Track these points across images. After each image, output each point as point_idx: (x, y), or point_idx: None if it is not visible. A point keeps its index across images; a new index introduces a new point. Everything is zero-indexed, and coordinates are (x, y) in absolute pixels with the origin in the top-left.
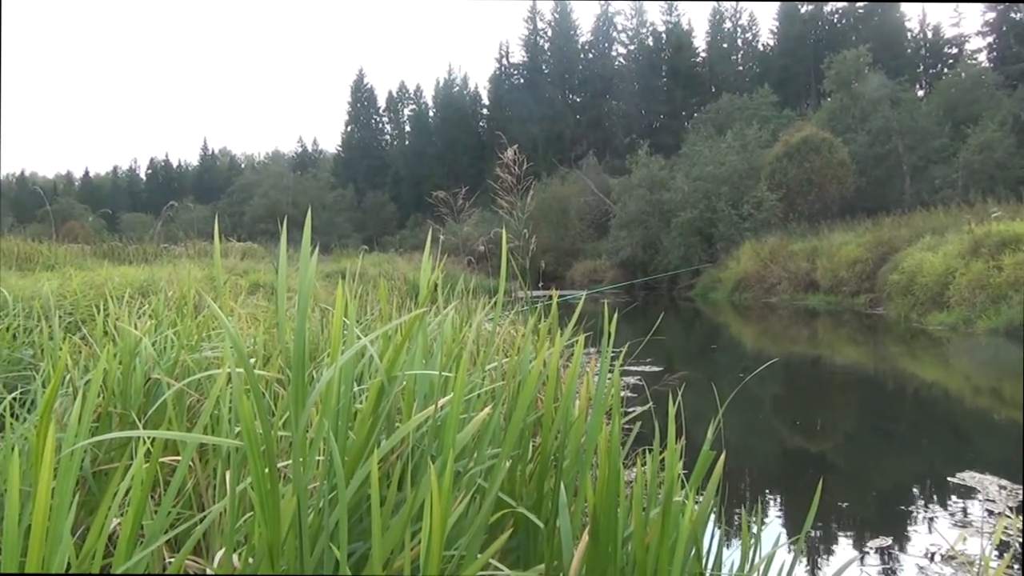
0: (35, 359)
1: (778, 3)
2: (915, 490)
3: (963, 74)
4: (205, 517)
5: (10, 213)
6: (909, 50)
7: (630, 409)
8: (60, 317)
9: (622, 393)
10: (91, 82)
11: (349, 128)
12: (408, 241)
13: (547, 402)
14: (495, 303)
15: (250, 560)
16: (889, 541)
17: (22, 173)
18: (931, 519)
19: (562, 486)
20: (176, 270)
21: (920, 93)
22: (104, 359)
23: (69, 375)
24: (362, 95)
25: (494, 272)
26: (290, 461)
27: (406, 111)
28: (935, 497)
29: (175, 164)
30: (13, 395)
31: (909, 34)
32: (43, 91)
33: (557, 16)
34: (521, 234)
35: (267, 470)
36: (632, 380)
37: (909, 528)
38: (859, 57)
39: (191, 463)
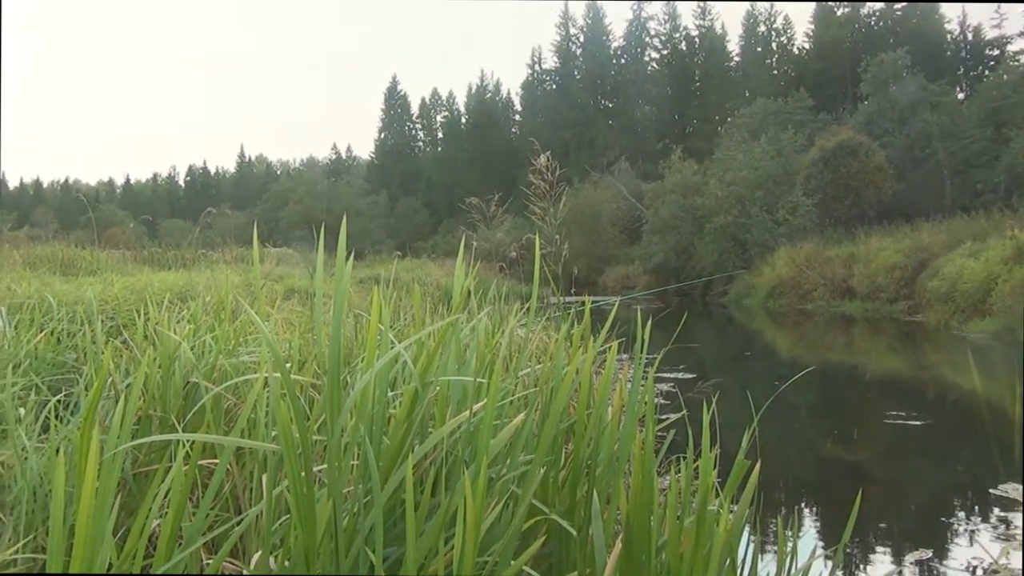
0: (78, 362)
1: (813, 5)
2: (956, 502)
3: (1005, 76)
4: (242, 520)
5: (55, 219)
6: (949, 52)
7: (663, 416)
8: (102, 321)
9: (655, 400)
10: (132, 91)
11: (382, 135)
12: (440, 247)
13: (580, 409)
14: (528, 309)
15: (286, 563)
16: (929, 554)
17: (66, 180)
18: (972, 532)
19: (595, 493)
20: (214, 275)
21: (961, 96)
22: (145, 363)
23: (111, 378)
24: (395, 102)
25: (526, 278)
26: (325, 465)
27: (439, 118)
28: (976, 509)
29: (213, 171)
30: (57, 398)
31: (949, 36)
32: (86, 101)
33: (589, 22)
34: (553, 240)
35: (303, 474)
36: (665, 387)
37: (950, 541)
38: (897, 60)
39: (228, 466)
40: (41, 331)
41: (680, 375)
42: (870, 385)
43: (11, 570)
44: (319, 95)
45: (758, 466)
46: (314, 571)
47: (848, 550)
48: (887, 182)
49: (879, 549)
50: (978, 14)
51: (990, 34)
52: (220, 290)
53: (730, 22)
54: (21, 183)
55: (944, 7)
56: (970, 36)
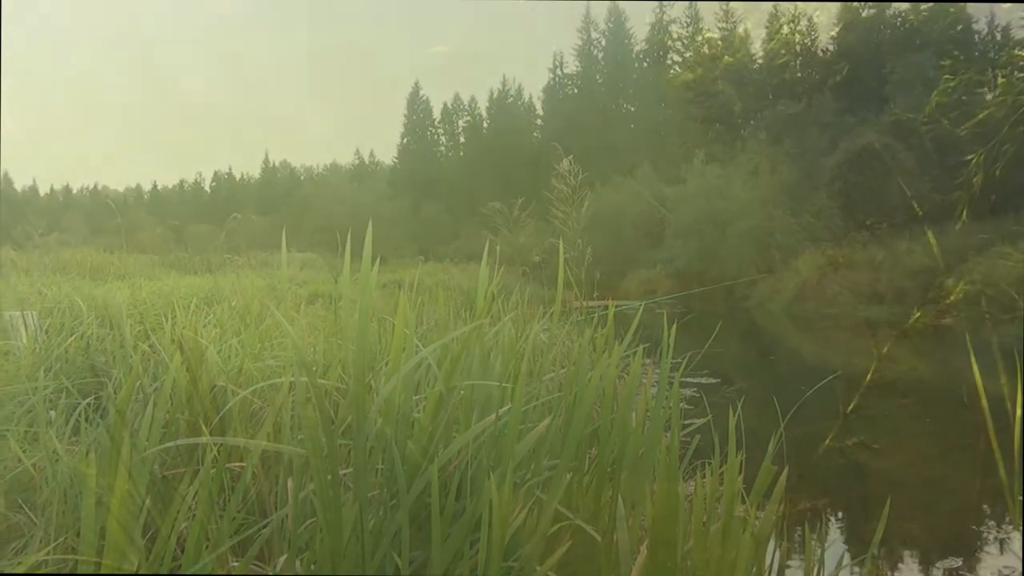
0: (107, 366)
1: (838, 6)
2: (985, 509)
3: None
4: (268, 523)
5: (84, 225)
6: (977, 53)
7: (688, 421)
8: (130, 325)
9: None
10: (159, 99)
11: (405, 140)
12: (463, 251)
13: (604, 414)
14: (552, 314)
15: (312, 566)
16: (959, 562)
17: (95, 187)
18: (1003, 540)
19: (619, 499)
20: (239, 280)
21: (989, 97)
22: (172, 367)
23: (140, 382)
24: (418, 107)
25: (549, 282)
26: (351, 469)
27: (461, 123)
28: (1007, 517)
29: (238, 177)
30: (87, 400)
31: (977, 37)
32: (113, 109)
33: (611, 25)
34: (576, 244)
35: (329, 477)
36: (689, 392)
37: (980, 549)
38: (923, 61)
39: (255, 469)
40: (71, 335)
41: (704, 380)
42: (896, 390)
43: (42, 571)
44: (343, 100)
45: (785, 472)
46: (340, 574)
47: (875, 558)
48: (913, 185)
49: (907, 557)
50: (1007, 14)
51: (1019, 34)
52: (246, 294)
53: (753, 25)
54: (51, 189)
55: (972, 7)
56: (999, 37)
